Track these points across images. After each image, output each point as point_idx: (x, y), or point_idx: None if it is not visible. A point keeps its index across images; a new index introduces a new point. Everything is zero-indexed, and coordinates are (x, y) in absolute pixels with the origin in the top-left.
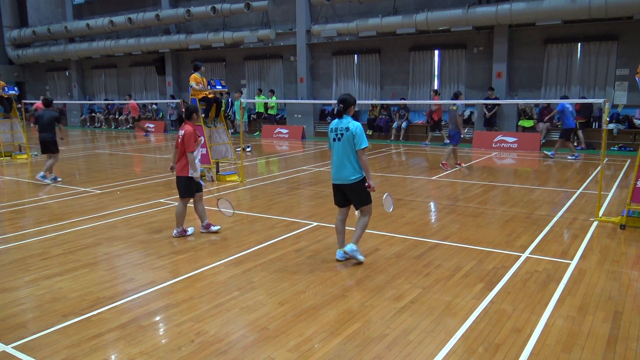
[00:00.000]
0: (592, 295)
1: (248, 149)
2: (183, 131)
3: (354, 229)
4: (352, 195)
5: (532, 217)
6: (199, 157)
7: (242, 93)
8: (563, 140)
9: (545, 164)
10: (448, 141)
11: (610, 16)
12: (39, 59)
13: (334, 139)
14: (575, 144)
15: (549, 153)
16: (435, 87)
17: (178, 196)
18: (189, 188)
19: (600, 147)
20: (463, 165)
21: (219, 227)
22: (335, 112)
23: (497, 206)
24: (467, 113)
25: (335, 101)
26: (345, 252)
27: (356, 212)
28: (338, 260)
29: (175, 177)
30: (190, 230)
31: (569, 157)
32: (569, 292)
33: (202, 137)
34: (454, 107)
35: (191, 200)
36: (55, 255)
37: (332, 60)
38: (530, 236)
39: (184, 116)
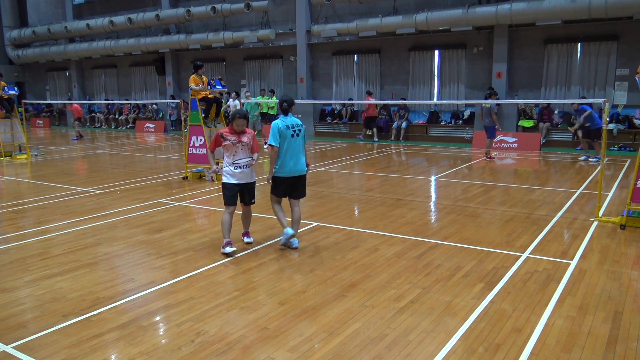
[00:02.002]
0: (592, 295)
1: None
2: None
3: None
4: (301, 185)
5: (532, 217)
6: (231, 160)
7: (240, 94)
8: (598, 141)
9: (591, 165)
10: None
11: (610, 16)
12: (39, 59)
13: (292, 135)
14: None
15: (595, 159)
16: (369, 89)
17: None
18: (224, 194)
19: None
20: (494, 156)
21: (252, 239)
22: (283, 110)
23: (497, 206)
24: (467, 113)
25: (335, 101)
26: (293, 236)
27: (295, 202)
28: (286, 239)
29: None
30: (228, 248)
31: (591, 159)
32: (569, 292)
33: (229, 141)
34: (487, 105)
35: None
36: (55, 255)
37: (332, 60)
38: (530, 236)
39: None
